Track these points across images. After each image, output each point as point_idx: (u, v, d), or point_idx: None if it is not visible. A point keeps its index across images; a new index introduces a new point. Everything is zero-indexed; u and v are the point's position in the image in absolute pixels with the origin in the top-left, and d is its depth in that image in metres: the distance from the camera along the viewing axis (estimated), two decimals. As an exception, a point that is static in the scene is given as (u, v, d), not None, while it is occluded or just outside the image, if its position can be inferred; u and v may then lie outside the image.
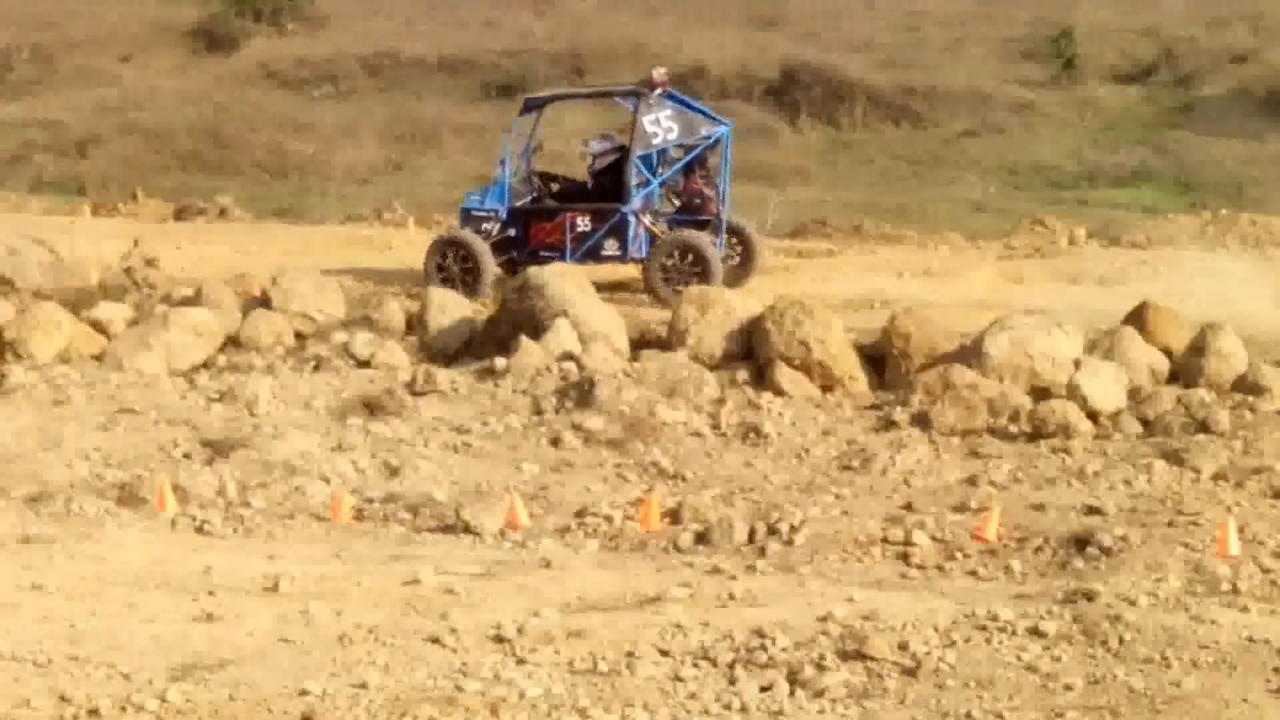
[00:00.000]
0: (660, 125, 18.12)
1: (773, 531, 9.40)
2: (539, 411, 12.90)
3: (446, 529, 9.68)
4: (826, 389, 13.81)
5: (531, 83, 52.89)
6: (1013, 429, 12.41)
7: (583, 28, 59.91)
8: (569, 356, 13.91)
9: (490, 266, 18.18)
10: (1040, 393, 13.11)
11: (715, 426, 12.54)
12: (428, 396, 13.23)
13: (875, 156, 45.51)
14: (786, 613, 7.53)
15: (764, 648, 6.97)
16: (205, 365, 14.52)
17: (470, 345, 15.07)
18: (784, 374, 13.70)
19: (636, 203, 18.21)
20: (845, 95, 50.09)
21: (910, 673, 6.74)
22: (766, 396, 13.39)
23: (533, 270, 15.18)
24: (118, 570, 8.23)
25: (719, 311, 14.48)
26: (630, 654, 6.92)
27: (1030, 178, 41.57)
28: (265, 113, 48.19)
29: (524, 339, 14.14)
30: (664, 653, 6.96)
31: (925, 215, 31.62)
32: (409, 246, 20.54)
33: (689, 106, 18.75)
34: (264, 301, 15.86)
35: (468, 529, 9.57)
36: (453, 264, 17.86)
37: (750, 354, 14.28)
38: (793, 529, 9.38)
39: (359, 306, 16.17)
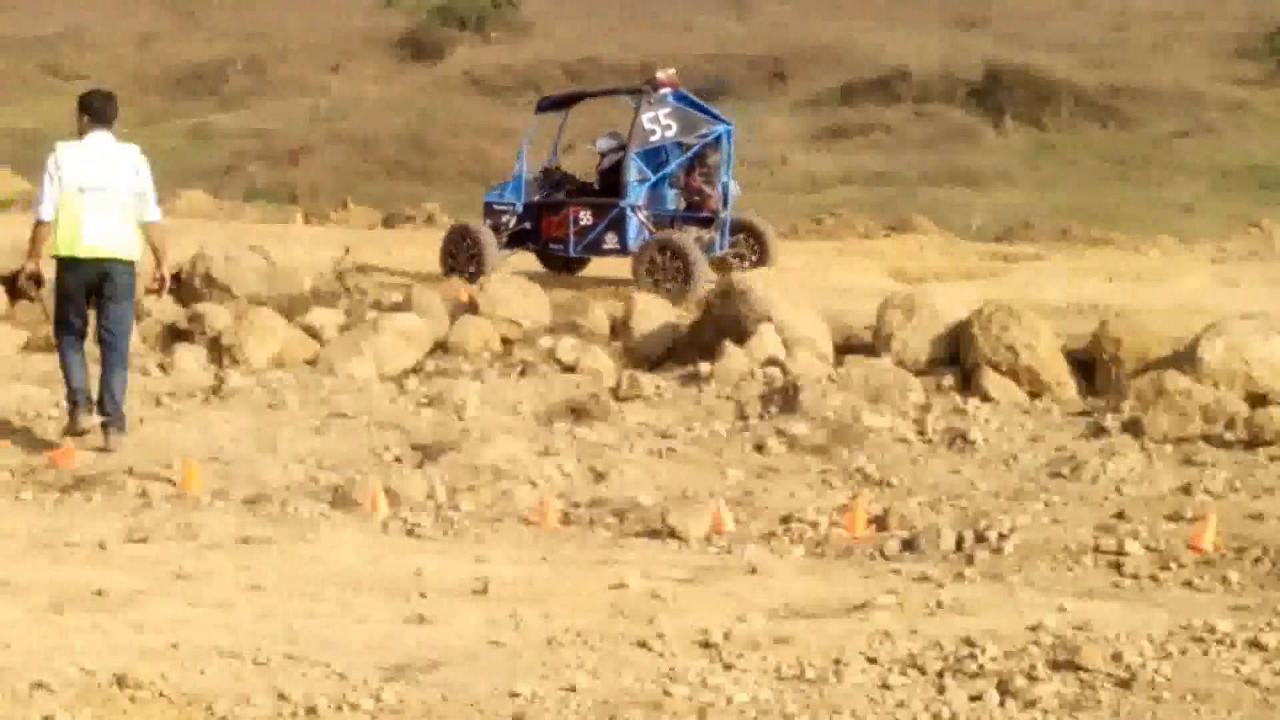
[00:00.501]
0: (659, 123, 18.80)
1: (981, 539, 9.32)
2: (743, 417, 12.92)
3: (652, 534, 9.73)
4: (1034, 395, 13.66)
5: (730, 86, 53.05)
6: (1229, 436, 12.13)
7: (781, 31, 59.81)
8: (773, 362, 13.91)
9: (493, 256, 19.34)
10: (1258, 399, 12.81)
11: (921, 432, 12.46)
12: (632, 402, 13.30)
13: (1081, 158, 44.92)
14: (996, 621, 7.46)
15: (973, 657, 6.91)
16: (414, 370, 14.73)
17: (674, 350, 15.13)
18: (991, 379, 13.58)
19: (634, 198, 18.81)
20: (1050, 96, 49.51)
21: (1124, 685, 6.63)
22: (973, 402, 13.27)
23: (736, 276, 15.21)
24: (332, 571, 8.38)
25: (924, 316, 14.40)
26: (838, 661, 6.90)
27: (1243, 179, 40.79)
28: (469, 120, 48.78)
29: (728, 344, 14.16)
30: (872, 660, 6.93)
31: (1134, 218, 31.17)
32: (618, 251, 20.64)
33: (696, 106, 19.27)
34: (471, 307, 16.06)
35: (673, 534, 9.60)
36: (462, 253, 18.88)
37: (956, 359, 14.17)
38: (1001, 536, 9.29)
39: (564, 312, 16.29)
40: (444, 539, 9.55)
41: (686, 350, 14.92)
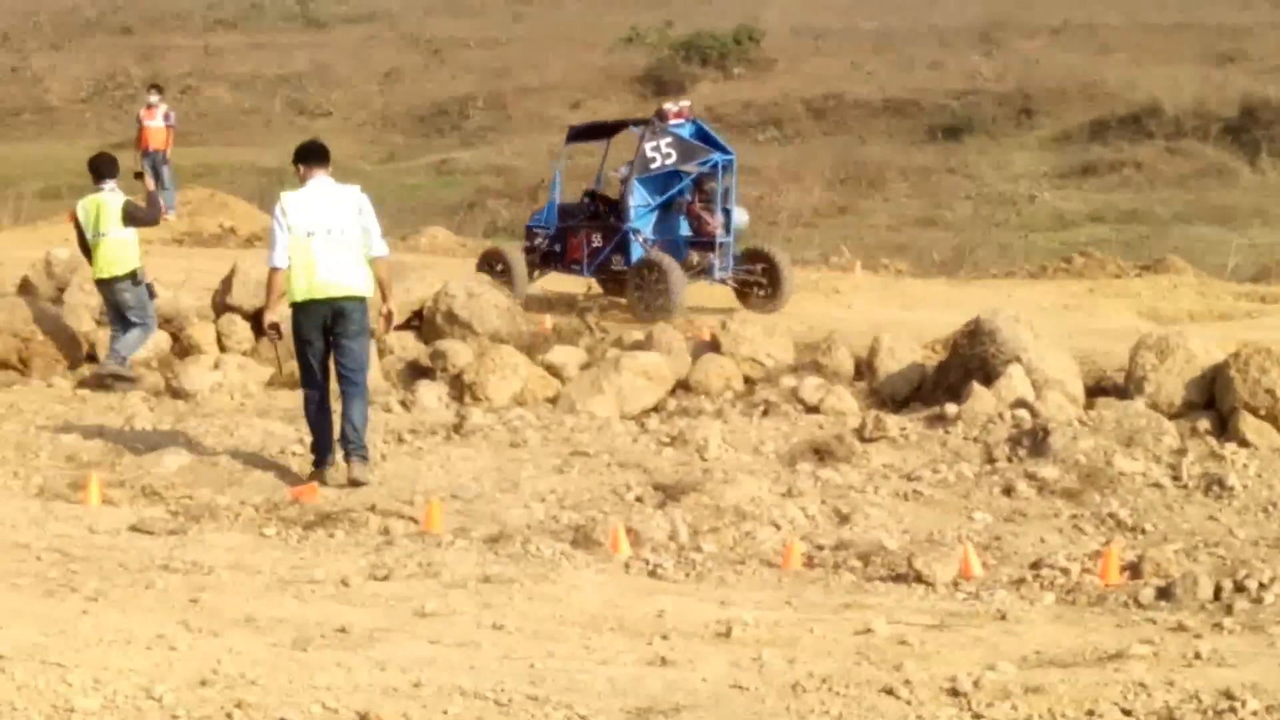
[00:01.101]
0: (660, 151, 20.05)
1: (1240, 588, 9.08)
2: (991, 460, 12.75)
3: (898, 578, 9.64)
4: (1295, 440, 13.32)
5: (978, 123, 52.58)
6: None
7: (1031, 67, 59.14)
8: (1022, 403, 13.72)
9: (523, 274, 20.65)
10: None
11: (1175, 478, 12.18)
12: (877, 443, 13.20)
13: (1344, 196, 43.74)
14: (1257, 674, 7.26)
15: (1233, 710, 6.73)
16: (656, 409, 14.78)
17: (920, 391, 15.00)
18: (1249, 424, 13.25)
19: (637, 222, 20.27)
20: (1309, 132, 48.34)
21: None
22: (1230, 447, 12.94)
23: (984, 315, 15.04)
24: (574, 612, 8.42)
25: (1179, 358, 14.10)
26: (1091, 712, 6.76)
27: None
28: (711, 156, 48.84)
29: (975, 385, 14.00)
30: (1126, 713, 6.78)
31: (1399, 258, 30.20)
32: (856, 291, 20.57)
33: (707, 138, 20.78)
34: (713, 346, 16.08)
35: (920, 578, 9.51)
36: (494, 274, 19.67)
37: (1212, 403, 13.85)
38: (1262, 586, 9.03)
39: (807, 351, 16.24)
40: (686, 581, 9.55)
41: (932, 391, 14.79)
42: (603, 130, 22.98)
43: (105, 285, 15.52)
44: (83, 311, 16.65)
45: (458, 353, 15.73)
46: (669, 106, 21.00)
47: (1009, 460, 12.64)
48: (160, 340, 16.44)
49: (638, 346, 15.97)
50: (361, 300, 12.09)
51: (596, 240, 20.84)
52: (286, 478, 12.05)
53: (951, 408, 13.76)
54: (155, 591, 8.59)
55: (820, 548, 10.35)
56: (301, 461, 12.36)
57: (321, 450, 12.13)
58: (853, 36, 71.66)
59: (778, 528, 10.76)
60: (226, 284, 17.00)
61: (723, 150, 20.67)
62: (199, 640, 7.58)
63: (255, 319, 16.24)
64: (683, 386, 15.41)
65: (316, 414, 12.19)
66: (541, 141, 52.85)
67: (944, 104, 55.21)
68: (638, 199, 20.35)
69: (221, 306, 16.91)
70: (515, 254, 20.99)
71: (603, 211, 21.12)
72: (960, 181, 44.89)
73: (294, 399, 13.45)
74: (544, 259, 21.37)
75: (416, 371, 15.91)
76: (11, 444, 13.01)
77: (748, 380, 15.61)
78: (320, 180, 12.05)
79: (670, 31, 71.18)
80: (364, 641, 7.66)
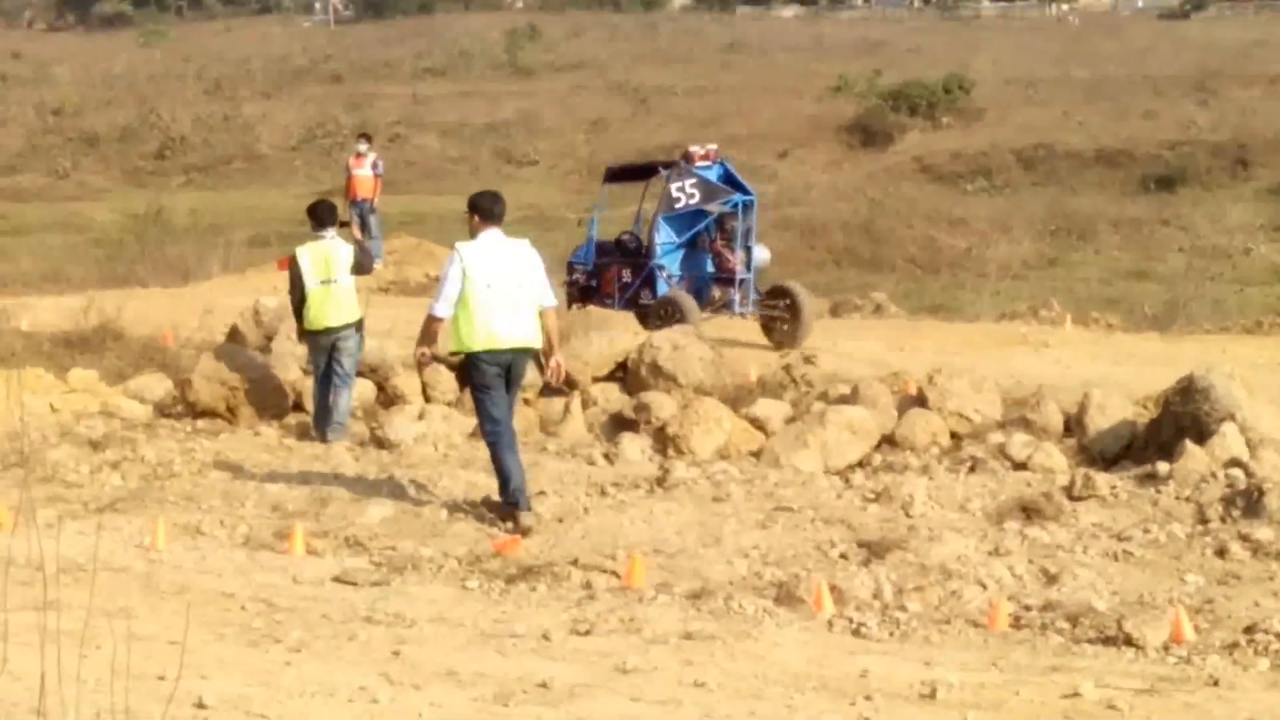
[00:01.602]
0: (684, 191, 21.14)
1: None
2: (1204, 520, 12.52)
3: (1107, 640, 9.49)
4: None
5: (1192, 174, 51.86)
6: None
7: (1248, 117, 58.28)
8: (1236, 463, 13.47)
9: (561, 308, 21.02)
10: None
11: (1399, 542, 11.89)
12: (1086, 501, 13.04)
13: None
14: None
15: None
16: (861, 464, 14.72)
17: (1130, 449, 14.78)
18: None
19: (661, 258, 21.31)
20: None
21: None
22: None
23: (1197, 372, 14.79)
24: (776, 670, 8.41)
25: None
26: (1307, 784, 6.63)
27: None
28: (918, 207, 48.66)
29: (1188, 443, 13.77)
30: (1344, 785, 6.65)
31: None
32: (1065, 345, 20.35)
33: (731, 180, 21.70)
34: (920, 400, 15.99)
35: (1129, 641, 9.35)
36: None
37: None
38: None
39: (1015, 407, 16.09)
40: (890, 640, 9.49)
41: (1143, 449, 14.56)
42: (637, 172, 24.12)
43: (328, 334, 15.60)
44: (290, 360, 16.94)
45: (661, 405, 15.80)
46: (695, 149, 21.91)
47: (1222, 521, 12.41)
48: (365, 390, 16.69)
49: (843, 400, 15.91)
50: (532, 351, 12.71)
51: (627, 276, 22.00)
52: (489, 530, 12.17)
53: (1163, 466, 13.56)
54: (358, 643, 8.73)
55: (1027, 608, 10.22)
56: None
57: (517, 496, 12.35)
58: (1064, 85, 71.12)
59: (984, 587, 10.66)
60: (549, 354, 17.21)
61: (745, 191, 21.68)
62: (401, 693, 7.69)
63: (460, 369, 16.46)
64: (888, 441, 15.33)
65: (507, 458, 12.48)
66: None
67: (1157, 154, 54.57)
68: (663, 236, 21.43)
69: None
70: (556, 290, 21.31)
71: (634, 249, 22.22)
72: (1173, 233, 44.28)
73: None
74: (582, 293, 22.56)
75: (620, 424, 15.99)
76: (218, 492, 13.28)
77: (954, 436, 15.50)
78: (493, 233, 12.55)
79: (879, 80, 71.18)
80: (565, 697, 7.72)
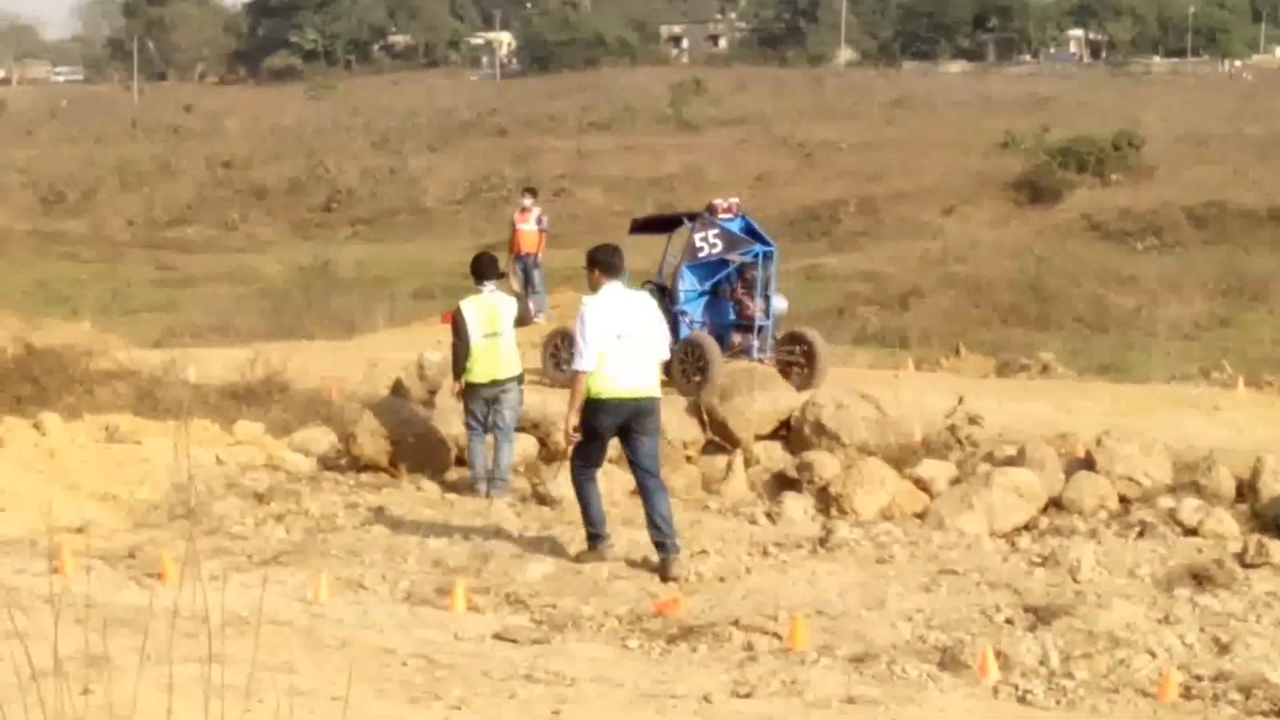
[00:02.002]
0: (707, 241, 21.69)
1: None
2: (1382, 590, 12.27)
3: (1278, 713, 9.32)
4: None
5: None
6: None
7: None
8: None
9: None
10: None
11: None
12: (1260, 569, 12.80)
13: None
14: None
15: None
16: (1027, 527, 14.57)
17: (1306, 515, 14.54)
18: None
19: (685, 305, 21.66)
20: None
21: None
22: None
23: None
24: (939, 738, 8.33)
25: None
26: None
27: None
28: (1087, 265, 48.28)
29: (1367, 511, 13.54)
30: None
31: None
32: (1238, 408, 20.02)
33: (752, 231, 22.26)
34: (1087, 463, 15.81)
35: (1304, 715, 9.18)
36: (563, 352, 20.33)
37: None
38: None
39: (1186, 471, 15.85)
40: (1057, 708, 9.35)
41: (1320, 515, 14.32)
42: (662, 224, 24.57)
43: (491, 387, 15.74)
44: (453, 415, 17.03)
45: (825, 464, 15.74)
46: (718, 202, 22.65)
47: (1403, 592, 12.14)
48: (527, 446, 16.77)
49: (1009, 462, 15.77)
50: (657, 400, 13.03)
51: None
52: (650, 588, 12.16)
53: (1333, 531, 13.32)
54: (518, 701, 8.73)
55: (1198, 678, 10.04)
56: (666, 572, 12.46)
57: (598, 523, 12.98)
58: (1236, 142, 70.30)
59: (1153, 655, 10.48)
60: None
61: (765, 243, 22.25)
62: (561, 752, 7.69)
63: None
64: (1055, 504, 15.18)
65: (590, 487, 13.05)
66: (913, 248, 52.79)
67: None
68: (687, 284, 21.93)
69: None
70: None
71: (658, 296, 21.90)
72: (1351, 294, 43.60)
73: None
74: None
75: (783, 483, 15.95)
76: (381, 547, 13.39)
77: (1123, 499, 15.32)
78: (615, 287, 12.86)
79: (1047, 137, 70.72)
80: (724, 761, 7.69)
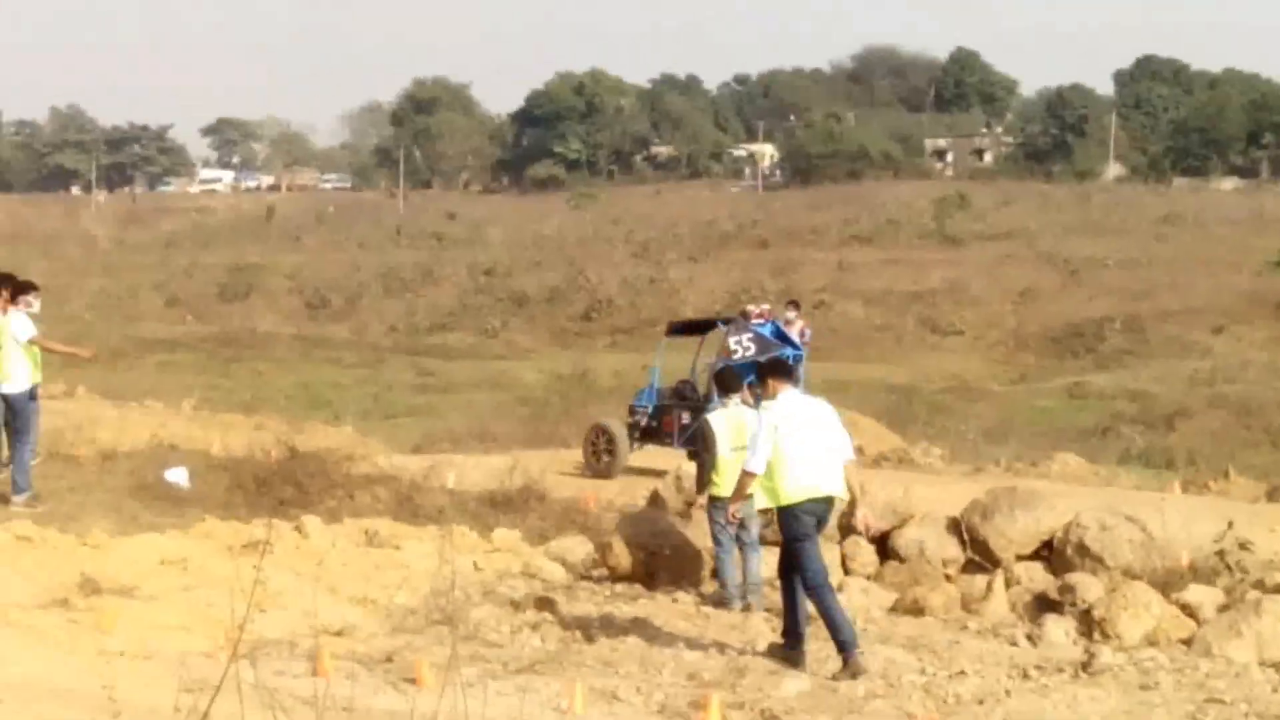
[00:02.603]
0: (741, 344, 23.89)
1: None
2: None
3: None
4: None
5: None
6: None
7: None
8: None
9: (624, 447, 26.04)
10: None
11: None
12: None
13: None
14: None
15: None
16: (1297, 657, 14.20)
17: None
18: None
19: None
20: None
21: None
22: None
23: None
24: None
25: None
26: None
27: None
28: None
29: None
30: None
31: None
32: None
33: (780, 335, 25.02)
34: (1360, 592, 15.38)
35: None
36: (600, 447, 24.95)
37: None
38: None
39: None
40: None
41: None
42: (697, 327, 27.58)
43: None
44: (709, 527, 17.11)
45: (1088, 587, 15.49)
46: (751, 308, 25.84)
47: None
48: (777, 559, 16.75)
49: (1280, 590, 15.39)
50: (836, 500, 13.58)
51: (685, 419, 25.25)
52: (907, 708, 12.06)
53: None
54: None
55: None
56: (922, 694, 12.36)
57: (847, 642, 12.91)
58: None
59: None
60: (852, 506, 17.21)
61: (795, 347, 24.81)
62: None
63: (880, 543, 16.46)
64: (1328, 635, 14.75)
65: (832, 601, 13.14)
66: (1181, 367, 51.97)
67: None
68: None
69: (846, 528, 17.10)
70: (619, 429, 26.22)
71: (691, 394, 25.37)
72: None
73: (918, 626, 13.61)
74: (643, 434, 26.24)
75: (1044, 604, 15.72)
76: (635, 658, 13.44)
77: (1401, 633, 14.83)
78: (792, 393, 13.54)
79: (1321, 256, 69.33)
80: None
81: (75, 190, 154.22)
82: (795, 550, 13.22)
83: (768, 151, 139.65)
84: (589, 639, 14.22)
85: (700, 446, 16.02)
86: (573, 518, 19.16)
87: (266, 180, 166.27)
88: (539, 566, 16.98)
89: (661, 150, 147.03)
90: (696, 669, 13.11)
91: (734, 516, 13.93)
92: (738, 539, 15.79)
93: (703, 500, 16.07)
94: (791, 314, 31.04)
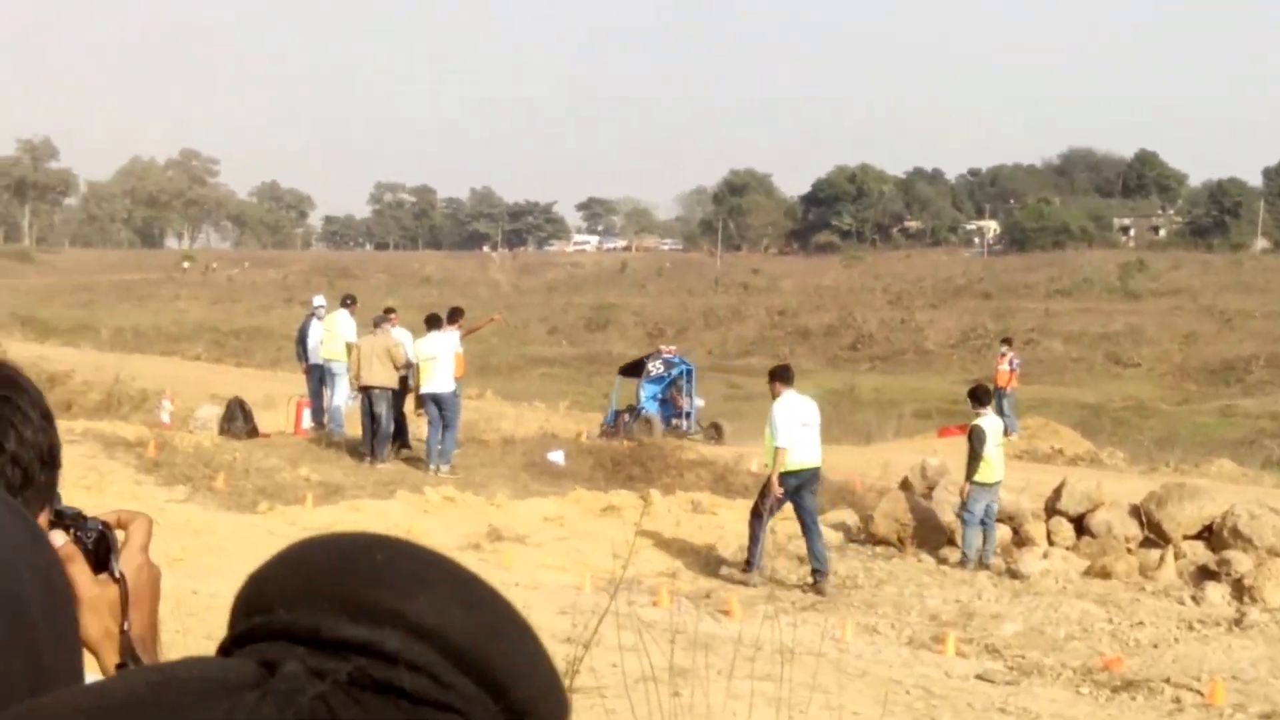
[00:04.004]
0: (657, 367, 29.59)
1: None
2: None
3: None
4: None
5: None
6: None
7: None
8: None
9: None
10: None
11: None
12: None
13: None
14: None
15: None
16: None
17: None
18: None
19: (646, 404, 28.69)
20: None
21: None
22: None
23: None
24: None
25: None
26: None
27: None
28: None
29: None
30: None
31: None
32: None
33: (680, 360, 30.57)
34: None
35: None
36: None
37: None
38: None
39: None
40: None
41: None
42: (635, 368, 30.33)
43: (998, 486, 15.76)
44: (946, 506, 16.80)
45: (1240, 561, 14.85)
46: (663, 347, 32.53)
47: None
48: (1003, 533, 16.40)
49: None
50: (819, 469, 14.41)
51: (628, 418, 27.90)
52: (1099, 648, 11.71)
53: None
54: (995, 728, 8.54)
55: None
56: (1109, 638, 11.98)
57: (755, 563, 14.11)
58: None
59: None
60: (1056, 493, 16.78)
61: (687, 365, 30.24)
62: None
63: (1076, 522, 16.03)
64: None
65: (761, 533, 14.09)
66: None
67: None
68: (646, 393, 28.96)
69: (1051, 510, 16.68)
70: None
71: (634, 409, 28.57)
72: None
73: (1105, 587, 13.29)
74: (610, 437, 26.30)
75: (1204, 574, 15.11)
76: (890, 602, 13.30)
77: None
78: (790, 393, 14.23)
79: None
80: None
81: (485, 249, 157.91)
82: (760, 497, 14.15)
83: (992, 226, 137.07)
84: (855, 586, 14.10)
85: (973, 444, 15.67)
86: (843, 495, 18.99)
87: (621, 243, 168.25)
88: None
89: (912, 224, 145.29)
90: (936, 612, 12.94)
91: (776, 490, 14.08)
92: (982, 522, 15.52)
93: (967, 488, 15.74)
94: (1004, 349, 30.49)
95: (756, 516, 14.06)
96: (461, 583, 0.83)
